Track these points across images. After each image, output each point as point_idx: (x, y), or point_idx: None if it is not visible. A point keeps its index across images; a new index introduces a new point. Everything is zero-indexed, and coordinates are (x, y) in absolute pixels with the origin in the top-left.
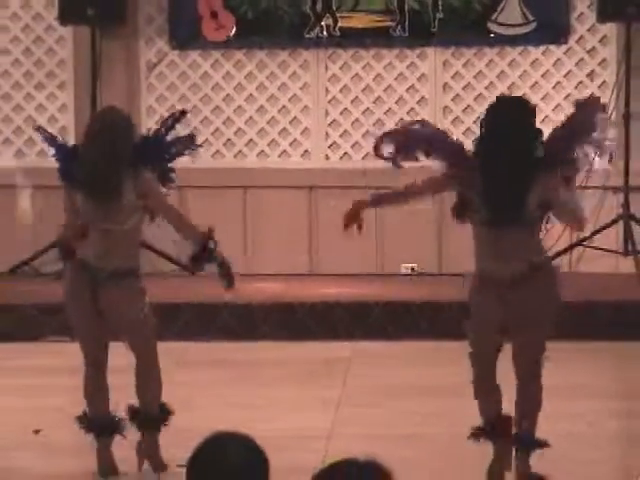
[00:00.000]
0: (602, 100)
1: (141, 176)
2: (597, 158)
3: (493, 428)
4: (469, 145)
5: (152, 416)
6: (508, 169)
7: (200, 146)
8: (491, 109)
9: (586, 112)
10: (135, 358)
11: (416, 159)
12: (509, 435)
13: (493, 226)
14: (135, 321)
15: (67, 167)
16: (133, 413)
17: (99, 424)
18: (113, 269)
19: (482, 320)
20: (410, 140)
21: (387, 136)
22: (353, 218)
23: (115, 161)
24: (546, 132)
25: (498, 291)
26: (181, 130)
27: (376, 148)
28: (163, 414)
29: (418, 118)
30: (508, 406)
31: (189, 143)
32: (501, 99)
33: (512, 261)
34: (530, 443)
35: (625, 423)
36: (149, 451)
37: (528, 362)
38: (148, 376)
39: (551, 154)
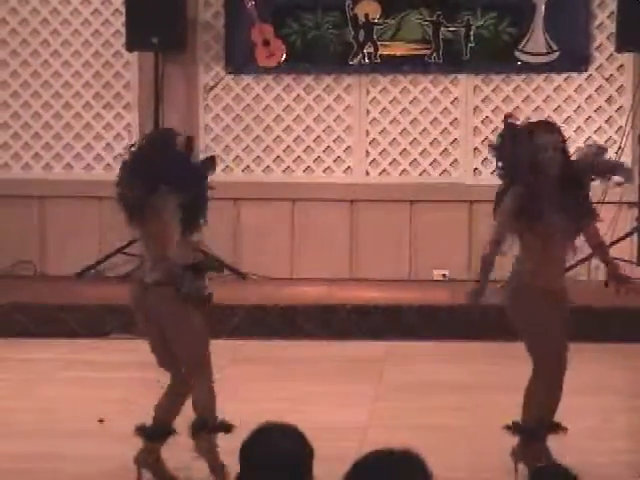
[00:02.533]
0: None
1: (160, 200)
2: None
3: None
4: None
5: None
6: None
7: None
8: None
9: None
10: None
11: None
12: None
13: (556, 240)
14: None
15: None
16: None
17: (154, 431)
18: (152, 281)
19: (554, 328)
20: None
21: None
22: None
23: (139, 183)
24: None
25: (554, 302)
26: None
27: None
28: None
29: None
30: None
31: (209, 165)
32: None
33: (561, 276)
34: None
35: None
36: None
37: None
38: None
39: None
